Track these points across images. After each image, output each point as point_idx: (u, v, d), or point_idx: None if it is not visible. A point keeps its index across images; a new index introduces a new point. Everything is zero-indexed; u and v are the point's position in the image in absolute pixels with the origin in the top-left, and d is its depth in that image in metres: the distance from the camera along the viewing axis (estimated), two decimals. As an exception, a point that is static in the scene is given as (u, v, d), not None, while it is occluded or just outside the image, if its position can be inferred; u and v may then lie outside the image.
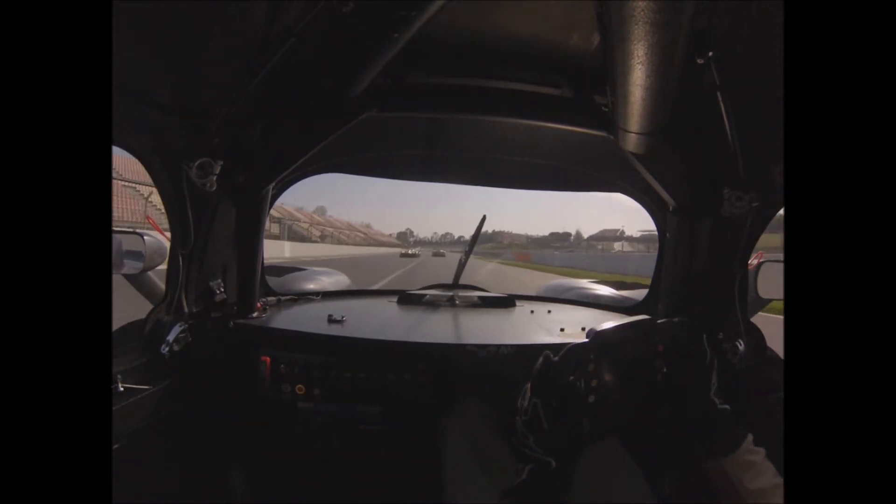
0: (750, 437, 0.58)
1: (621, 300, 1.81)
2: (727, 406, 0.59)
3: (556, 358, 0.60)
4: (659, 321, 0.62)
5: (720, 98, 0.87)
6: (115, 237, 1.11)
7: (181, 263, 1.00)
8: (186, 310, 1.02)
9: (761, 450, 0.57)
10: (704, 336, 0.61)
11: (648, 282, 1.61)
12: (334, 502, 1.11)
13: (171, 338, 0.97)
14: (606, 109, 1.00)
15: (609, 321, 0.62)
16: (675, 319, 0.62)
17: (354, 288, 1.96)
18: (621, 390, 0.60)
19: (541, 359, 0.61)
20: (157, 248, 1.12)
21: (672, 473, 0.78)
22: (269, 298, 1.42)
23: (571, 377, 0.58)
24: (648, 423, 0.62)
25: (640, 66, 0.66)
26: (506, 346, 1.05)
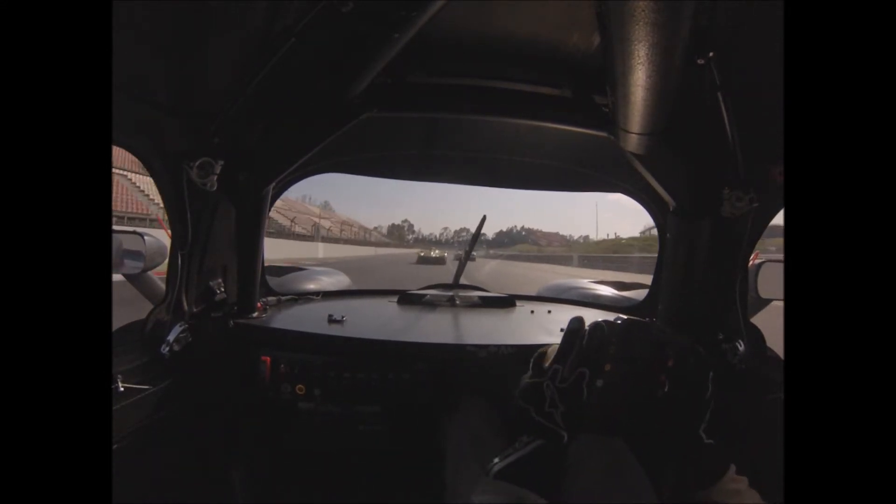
0: (733, 467, 0.59)
1: (621, 300, 1.80)
2: (712, 441, 0.61)
3: (586, 327, 0.60)
4: (676, 337, 0.62)
5: (720, 98, 0.87)
6: (115, 237, 1.11)
7: (181, 263, 1.00)
8: (186, 310, 1.02)
9: (744, 478, 0.59)
10: (711, 373, 0.61)
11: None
12: (334, 502, 1.11)
13: (171, 338, 0.97)
14: (606, 110, 1.00)
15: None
16: (690, 343, 0.63)
17: (355, 288, 1.96)
18: (625, 389, 0.60)
19: (575, 322, 0.60)
20: (157, 248, 1.12)
21: (666, 482, 0.78)
22: (270, 298, 1.42)
23: (593, 354, 0.58)
24: (642, 431, 0.63)
25: (640, 67, 0.66)
26: (506, 346, 1.05)
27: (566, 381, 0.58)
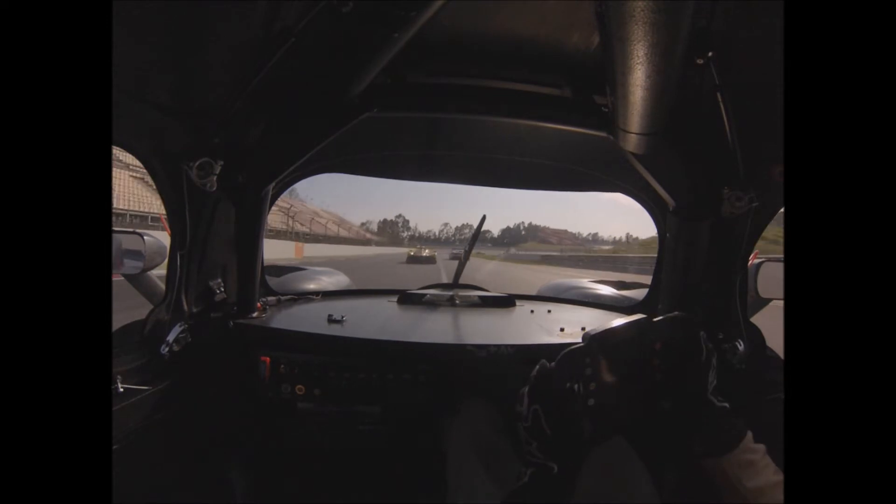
0: (749, 434, 0.57)
1: (621, 300, 1.81)
2: (726, 404, 0.59)
3: (553, 364, 0.59)
4: (655, 319, 0.61)
5: (720, 98, 0.87)
6: (115, 237, 1.11)
7: (181, 263, 1.01)
8: (186, 310, 1.02)
9: (761, 447, 0.57)
10: (702, 333, 0.60)
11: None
12: (334, 502, 1.11)
13: (171, 338, 0.97)
14: (606, 109, 1.00)
15: (607, 321, 0.61)
16: (672, 315, 0.62)
17: (354, 288, 1.96)
18: (620, 391, 0.59)
19: (537, 367, 0.60)
20: (157, 248, 1.12)
21: (674, 471, 0.78)
22: (269, 298, 1.42)
23: (569, 383, 0.57)
24: (649, 422, 0.62)
25: (639, 67, 0.66)
26: (506, 346, 1.05)
27: (527, 420, 0.59)
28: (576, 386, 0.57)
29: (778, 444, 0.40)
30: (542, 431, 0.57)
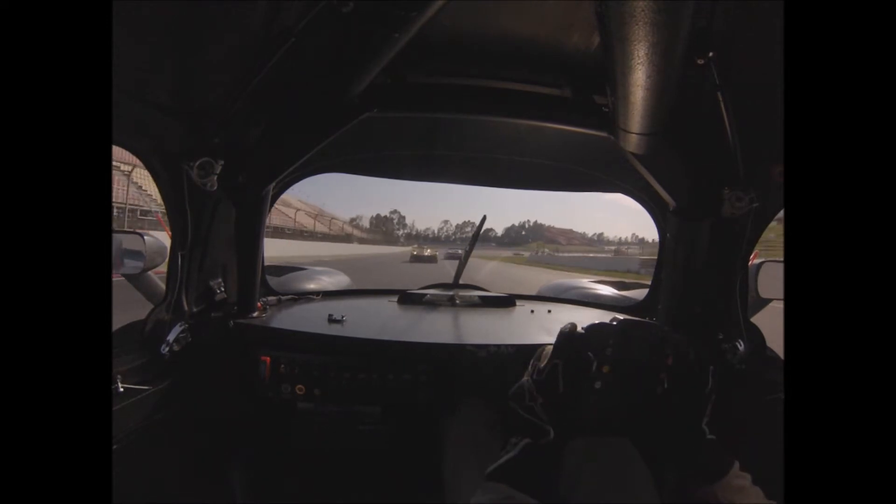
0: (737, 463, 0.59)
1: (622, 300, 1.81)
2: (714, 437, 0.61)
3: (582, 330, 0.62)
4: (675, 335, 0.63)
5: (720, 98, 0.87)
6: (115, 237, 1.11)
7: (181, 263, 1.01)
8: (187, 309, 1.02)
9: (748, 475, 0.59)
10: (712, 368, 0.61)
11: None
12: (334, 502, 1.12)
13: (171, 338, 0.97)
14: (606, 110, 1.00)
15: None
16: (689, 339, 0.63)
17: (355, 288, 1.96)
18: (624, 387, 0.60)
19: (568, 325, 0.63)
20: (157, 248, 1.12)
21: (674, 471, 0.78)
22: (270, 298, 1.42)
23: (590, 353, 0.59)
24: (642, 430, 0.63)
25: (640, 67, 0.66)
26: (506, 346, 1.05)
27: (542, 374, 0.60)
28: (594, 362, 0.59)
29: (778, 443, 0.40)
30: (554, 387, 0.58)
